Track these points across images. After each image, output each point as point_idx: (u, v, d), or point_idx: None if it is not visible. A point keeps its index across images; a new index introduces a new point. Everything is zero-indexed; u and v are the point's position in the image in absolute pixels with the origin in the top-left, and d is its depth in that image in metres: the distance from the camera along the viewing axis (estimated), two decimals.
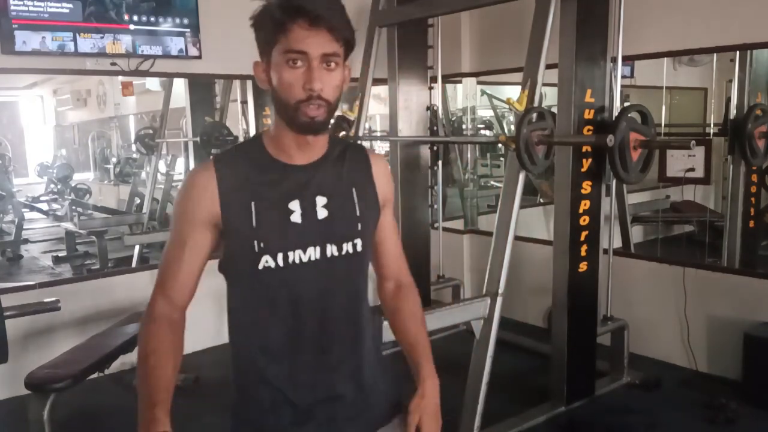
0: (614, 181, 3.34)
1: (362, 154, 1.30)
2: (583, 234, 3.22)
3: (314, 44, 1.11)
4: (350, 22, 1.16)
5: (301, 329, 1.22)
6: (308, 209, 1.20)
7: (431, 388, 1.39)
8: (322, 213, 1.21)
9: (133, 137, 6.99)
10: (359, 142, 4.06)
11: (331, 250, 1.21)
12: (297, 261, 1.19)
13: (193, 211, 1.20)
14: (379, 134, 6.31)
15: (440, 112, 4.56)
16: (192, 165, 5.45)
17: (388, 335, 2.70)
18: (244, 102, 4.93)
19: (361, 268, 1.28)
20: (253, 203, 1.18)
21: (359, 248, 1.24)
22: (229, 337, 1.28)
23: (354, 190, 1.25)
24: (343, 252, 1.22)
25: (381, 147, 6.54)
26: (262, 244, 1.18)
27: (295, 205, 1.20)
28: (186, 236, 1.21)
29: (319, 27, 1.11)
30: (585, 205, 3.19)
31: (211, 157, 1.25)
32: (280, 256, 1.19)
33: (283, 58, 1.13)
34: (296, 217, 1.19)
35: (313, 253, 1.20)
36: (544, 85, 2.94)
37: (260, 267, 1.19)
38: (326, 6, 1.12)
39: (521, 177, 2.91)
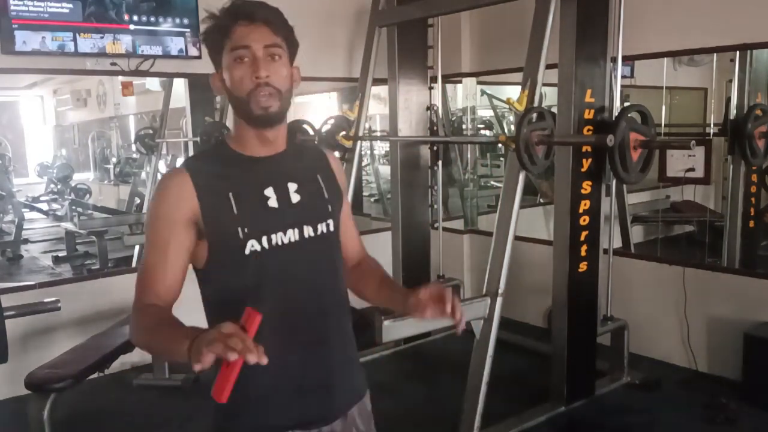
0: (614, 181, 3.34)
1: (319, 150, 1.45)
2: (583, 234, 3.22)
3: (255, 38, 1.21)
4: (287, 23, 1.28)
5: (290, 308, 1.28)
6: (282, 194, 1.28)
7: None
8: (295, 197, 1.29)
9: (133, 137, 6.99)
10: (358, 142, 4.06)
11: (308, 231, 1.29)
12: (279, 243, 1.26)
13: (172, 212, 1.24)
14: (379, 134, 6.31)
15: (440, 112, 4.56)
16: None
17: (389, 335, 2.72)
18: None
19: (336, 246, 1.37)
20: (230, 193, 1.24)
21: (332, 228, 1.34)
22: None
23: (319, 176, 1.36)
24: (319, 232, 1.31)
25: (381, 147, 6.54)
26: (246, 230, 1.23)
27: (270, 192, 1.27)
28: (168, 239, 1.24)
29: (257, 23, 1.22)
30: (585, 205, 3.19)
31: (181, 162, 1.31)
32: (264, 238, 1.25)
33: (231, 58, 1.23)
34: (273, 202, 1.27)
35: (292, 234, 1.27)
36: (544, 85, 2.94)
37: (246, 252, 1.24)
38: (261, 7, 1.25)
39: (521, 177, 2.91)
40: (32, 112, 8.67)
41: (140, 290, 1.26)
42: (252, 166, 1.28)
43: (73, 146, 8.71)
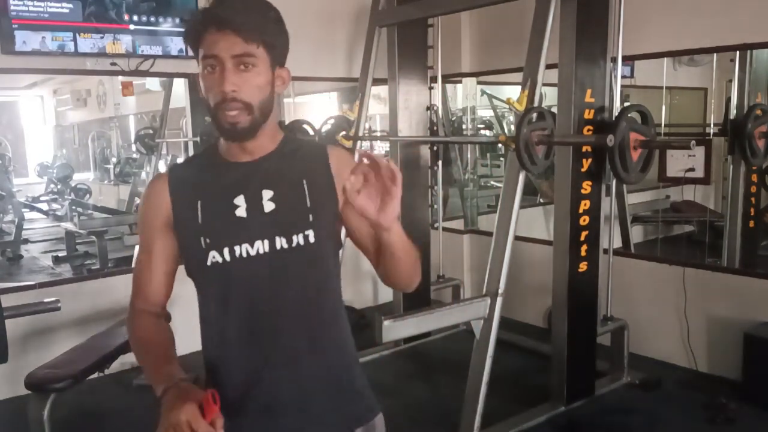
0: (614, 181, 3.34)
1: (318, 149, 1.30)
2: (583, 234, 3.21)
3: (223, 47, 1.13)
4: (270, 24, 1.18)
5: (256, 324, 1.22)
6: (253, 203, 1.21)
7: None
8: (268, 206, 1.21)
9: (133, 137, 7.00)
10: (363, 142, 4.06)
11: (281, 242, 1.20)
12: (244, 255, 1.19)
13: (151, 218, 1.26)
14: (379, 134, 6.31)
15: (440, 112, 4.56)
16: None
17: (389, 335, 2.72)
18: None
19: (315, 260, 1.24)
20: (199, 201, 1.22)
21: (311, 239, 1.21)
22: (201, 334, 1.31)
23: (305, 181, 1.23)
24: (294, 244, 1.20)
25: (381, 147, 6.55)
26: (208, 240, 1.20)
27: (240, 200, 1.21)
28: (151, 244, 1.27)
29: (226, 31, 1.13)
30: (585, 205, 3.19)
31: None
32: (226, 250, 1.20)
33: (202, 66, 1.16)
34: (241, 212, 1.21)
35: (261, 246, 1.19)
36: (544, 85, 2.94)
37: (209, 263, 1.21)
38: (236, 10, 1.14)
39: (521, 177, 2.91)
40: (32, 112, 8.67)
41: (133, 291, 1.30)
42: (227, 172, 1.23)
43: (73, 146, 8.71)
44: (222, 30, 1.13)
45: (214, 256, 1.20)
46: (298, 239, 1.20)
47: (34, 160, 8.51)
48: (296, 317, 1.23)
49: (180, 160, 6.11)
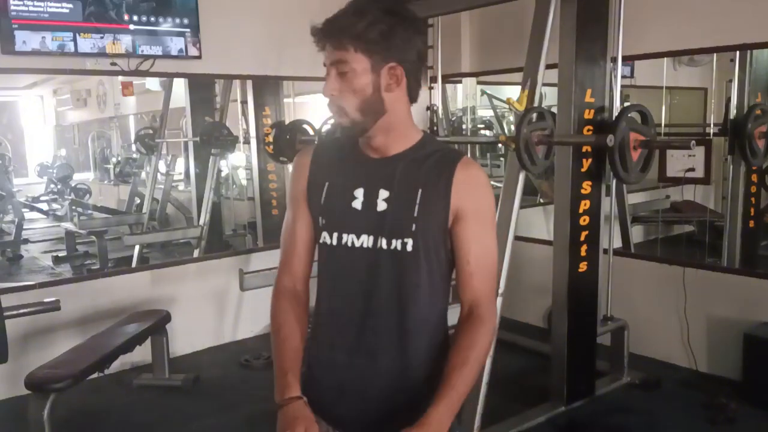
0: (614, 181, 3.34)
1: (449, 161, 1.26)
2: (583, 234, 3.21)
3: (327, 55, 1.23)
4: (364, 25, 1.18)
5: (345, 309, 1.31)
6: (369, 199, 1.27)
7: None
8: (381, 205, 1.26)
9: (133, 137, 7.00)
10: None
11: (382, 242, 1.25)
12: (349, 244, 1.27)
13: (294, 188, 1.37)
14: None
15: (440, 112, 4.56)
16: (192, 165, 5.47)
17: None
18: (244, 102, 4.93)
19: (410, 270, 1.25)
20: (327, 183, 1.31)
21: (409, 248, 1.24)
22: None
23: (420, 191, 1.24)
24: (391, 247, 1.24)
25: None
26: (323, 221, 1.31)
27: (359, 193, 1.28)
28: (295, 211, 1.37)
29: (326, 41, 1.22)
30: (585, 205, 3.19)
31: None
32: (335, 235, 1.29)
33: None
34: (357, 204, 1.27)
35: (366, 240, 1.26)
36: (544, 85, 2.94)
37: (320, 241, 1.32)
38: (331, 20, 1.21)
39: (521, 177, 2.91)
40: (32, 112, 8.69)
41: (279, 266, 1.40)
42: (358, 164, 1.30)
43: (73, 146, 8.73)
44: (325, 40, 1.22)
45: (325, 237, 1.31)
46: (396, 244, 1.24)
47: (34, 160, 8.53)
48: (380, 317, 1.28)
49: (180, 160, 6.11)
